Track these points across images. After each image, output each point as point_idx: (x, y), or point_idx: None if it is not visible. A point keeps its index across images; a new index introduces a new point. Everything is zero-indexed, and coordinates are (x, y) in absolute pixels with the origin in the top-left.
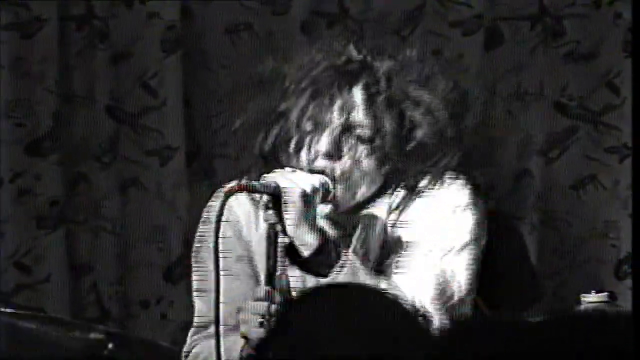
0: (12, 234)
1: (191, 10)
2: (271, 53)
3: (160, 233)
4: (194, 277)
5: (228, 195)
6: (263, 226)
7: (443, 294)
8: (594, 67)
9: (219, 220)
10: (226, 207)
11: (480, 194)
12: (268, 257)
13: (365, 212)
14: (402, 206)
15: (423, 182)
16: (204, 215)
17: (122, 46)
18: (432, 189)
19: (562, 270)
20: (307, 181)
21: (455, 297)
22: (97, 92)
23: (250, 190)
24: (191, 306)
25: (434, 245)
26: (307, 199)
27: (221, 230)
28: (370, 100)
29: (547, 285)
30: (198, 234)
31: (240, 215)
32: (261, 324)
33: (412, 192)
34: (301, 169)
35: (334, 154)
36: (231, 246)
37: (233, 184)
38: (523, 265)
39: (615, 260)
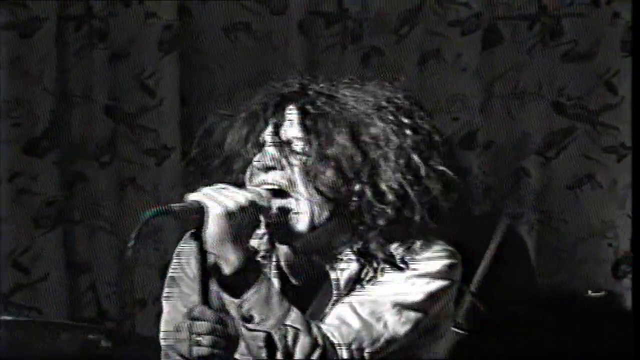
0: (9, 234)
1: (189, 10)
2: (268, 52)
3: (158, 232)
4: (163, 319)
5: (148, 219)
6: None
7: (362, 339)
8: (592, 66)
9: (137, 238)
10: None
11: (454, 256)
12: (200, 276)
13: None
14: (369, 281)
15: (396, 252)
16: (174, 258)
17: (120, 46)
18: (405, 260)
19: (559, 270)
20: (234, 199)
21: (381, 341)
22: (95, 91)
23: (171, 212)
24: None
25: (379, 298)
26: (232, 217)
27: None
28: (305, 116)
29: (544, 284)
30: (168, 276)
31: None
32: (198, 343)
33: (384, 264)
34: (239, 185)
35: (271, 166)
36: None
37: (153, 209)
38: (522, 265)
39: (613, 260)
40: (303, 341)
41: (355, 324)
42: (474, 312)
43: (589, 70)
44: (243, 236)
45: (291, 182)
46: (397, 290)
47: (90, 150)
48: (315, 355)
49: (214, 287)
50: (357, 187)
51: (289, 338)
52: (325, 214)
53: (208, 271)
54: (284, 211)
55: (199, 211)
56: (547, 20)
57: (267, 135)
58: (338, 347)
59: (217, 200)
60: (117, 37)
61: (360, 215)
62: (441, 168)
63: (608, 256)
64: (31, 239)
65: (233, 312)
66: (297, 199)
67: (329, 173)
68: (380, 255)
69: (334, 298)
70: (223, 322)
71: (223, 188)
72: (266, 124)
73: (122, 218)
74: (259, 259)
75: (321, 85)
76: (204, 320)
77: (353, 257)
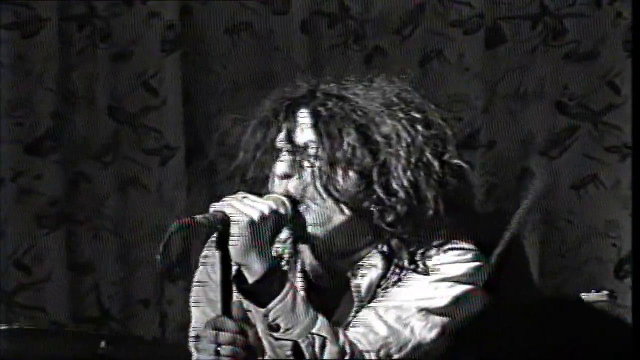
0: (12, 233)
1: (191, 10)
2: (271, 52)
3: (160, 232)
4: (192, 325)
5: (172, 233)
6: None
7: (390, 346)
8: (595, 66)
9: (164, 253)
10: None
11: (483, 258)
12: (222, 286)
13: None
14: (391, 284)
15: (418, 255)
16: (200, 262)
17: (123, 46)
18: (427, 263)
19: (562, 269)
20: (257, 208)
21: (409, 347)
22: (98, 91)
23: (197, 224)
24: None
25: (404, 304)
26: (255, 228)
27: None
28: (317, 119)
29: (545, 289)
30: (195, 281)
31: None
32: (217, 353)
33: (406, 267)
34: (259, 193)
35: (290, 173)
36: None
37: (177, 221)
38: (523, 273)
39: (616, 260)
40: (330, 349)
41: (382, 330)
42: None
43: (592, 70)
44: (267, 245)
45: (305, 188)
46: (421, 295)
47: (93, 150)
48: None
49: (237, 296)
50: (368, 187)
51: (317, 346)
52: (340, 217)
53: (230, 281)
54: (302, 216)
55: (224, 221)
56: (550, 20)
57: (281, 141)
58: (366, 354)
59: (241, 210)
60: (119, 37)
61: (372, 214)
62: (456, 161)
63: (611, 256)
64: (34, 239)
65: (258, 321)
66: (313, 204)
67: (341, 175)
68: (403, 258)
69: (356, 304)
70: (244, 332)
71: (244, 197)
72: (279, 130)
73: (125, 218)
74: (283, 264)
75: (330, 85)
76: (225, 331)
77: (374, 262)
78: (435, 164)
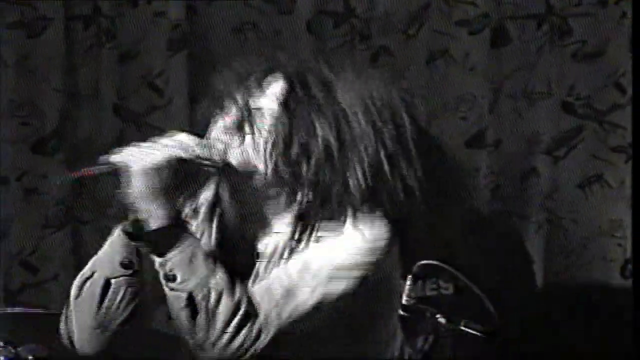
0: (18, 233)
1: (197, 9)
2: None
3: None
4: None
5: (64, 183)
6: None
7: (285, 305)
8: (601, 66)
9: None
10: None
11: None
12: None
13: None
14: (298, 247)
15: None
16: None
17: (128, 45)
18: (335, 230)
19: (567, 269)
20: (152, 156)
21: (303, 308)
22: (103, 91)
23: (87, 174)
24: None
25: (308, 265)
26: (149, 173)
27: None
28: (290, 95)
29: (552, 283)
30: None
31: None
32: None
33: (313, 232)
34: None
35: (236, 129)
36: None
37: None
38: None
39: (622, 259)
40: (226, 303)
41: (280, 289)
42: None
43: (598, 70)
44: (169, 191)
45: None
46: (324, 260)
47: (98, 150)
48: (237, 318)
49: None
50: (320, 177)
51: (212, 299)
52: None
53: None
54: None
55: (110, 170)
56: (556, 19)
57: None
58: (261, 312)
59: (136, 158)
60: (125, 36)
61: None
62: (411, 183)
63: (617, 256)
64: (40, 239)
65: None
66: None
67: (294, 156)
68: (315, 223)
69: (262, 264)
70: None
71: (147, 145)
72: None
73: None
74: (202, 211)
75: (320, 66)
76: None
77: (284, 225)
78: (389, 178)
